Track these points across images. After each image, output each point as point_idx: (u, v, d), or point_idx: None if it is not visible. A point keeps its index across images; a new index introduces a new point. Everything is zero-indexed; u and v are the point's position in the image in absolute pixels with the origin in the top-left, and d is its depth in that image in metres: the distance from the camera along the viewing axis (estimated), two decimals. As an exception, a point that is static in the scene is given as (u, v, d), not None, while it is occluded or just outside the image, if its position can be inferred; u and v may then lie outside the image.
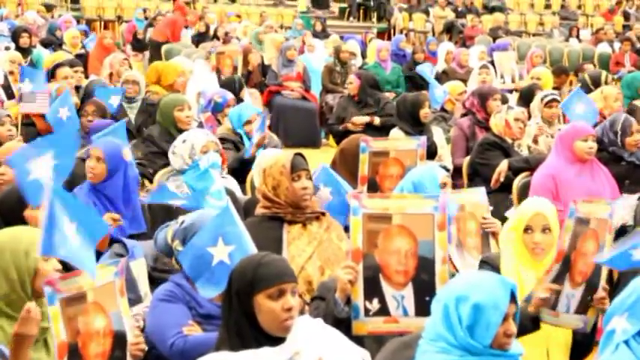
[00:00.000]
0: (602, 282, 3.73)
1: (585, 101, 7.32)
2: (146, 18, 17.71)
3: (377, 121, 9.22)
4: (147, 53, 15.24)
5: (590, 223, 3.64)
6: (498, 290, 2.82)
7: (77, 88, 8.18)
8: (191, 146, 5.51)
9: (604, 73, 11.40)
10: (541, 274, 3.76)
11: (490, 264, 4.00)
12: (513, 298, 2.86)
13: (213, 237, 3.59)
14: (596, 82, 10.82)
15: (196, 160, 5.38)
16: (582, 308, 3.73)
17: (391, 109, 9.30)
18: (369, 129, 8.93)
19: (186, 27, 16.74)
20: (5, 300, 3.23)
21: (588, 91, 10.26)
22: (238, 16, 19.56)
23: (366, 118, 9.26)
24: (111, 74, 9.04)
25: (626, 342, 2.93)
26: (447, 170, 7.00)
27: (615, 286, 4.66)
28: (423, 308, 3.43)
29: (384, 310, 3.48)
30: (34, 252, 3.24)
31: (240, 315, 2.95)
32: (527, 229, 3.94)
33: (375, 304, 3.47)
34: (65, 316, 2.94)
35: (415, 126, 7.34)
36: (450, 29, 21.60)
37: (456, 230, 4.44)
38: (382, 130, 8.63)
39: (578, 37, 21.18)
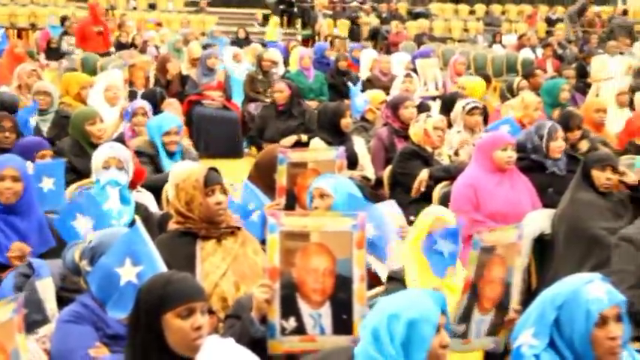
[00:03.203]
0: (514, 304, 3.73)
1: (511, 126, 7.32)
2: (62, 24, 17.38)
3: (304, 138, 9.02)
4: (63, 61, 14.95)
5: (496, 250, 3.64)
6: (427, 303, 2.82)
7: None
8: (96, 161, 5.39)
9: (517, 79, 11.49)
10: (448, 281, 3.77)
11: (397, 278, 4.01)
12: (442, 308, 2.86)
13: (121, 257, 3.50)
14: (510, 89, 10.92)
15: (98, 175, 5.25)
16: (493, 331, 3.74)
17: (315, 121, 9.22)
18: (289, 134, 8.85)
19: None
20: None
21: (505, 98, 10.37)
22: (159, 24, 19.35)
23: (294, 138, 9.06)
24: (20, 85, 8.82)
25: (537, 356, 2.95)
26: (368, 180, 7.00)
27: (533, 294, 4.66)
28: (340, 327, 3.43)
29: (300, 329, 3.44)
30: None
31: (147, 335, 2.87)
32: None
33: (291, 323, 3.44)
34: None
35: (336, 135, 7.26)
36: (374, 35, 21.72)
37: None
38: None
39: (501, 43, 21.46)
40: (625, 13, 25.22)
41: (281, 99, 9.32)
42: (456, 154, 6.94)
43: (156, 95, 8.83)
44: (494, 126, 7.38)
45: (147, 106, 7.60)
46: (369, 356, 2.78)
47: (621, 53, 16.89)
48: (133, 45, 15.47)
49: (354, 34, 21.39)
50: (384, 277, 4.32)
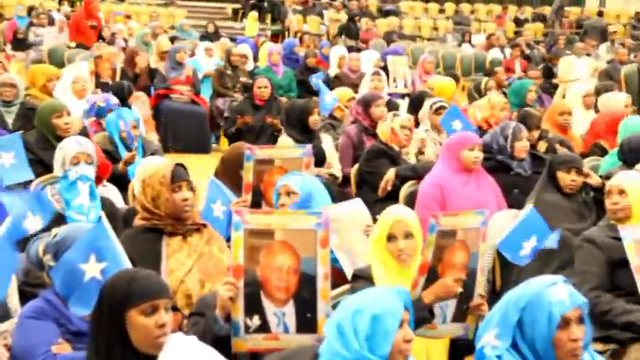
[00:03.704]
0: (479, 289, 3.77)
1: (460, 117, 7.34)
2: (29, 15, 17.23)
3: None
4: (30, 52, 14.83)
5: (457, 235, 3.69)
6: (391, 298, 2.83)
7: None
8: (63, 156, 5.33)
9: (484, 79, 11.57)
10: (409, 280, 3.82)
11: (363, 277, 4.02)
12: (406, 304, 2.87)
13: (85, 253, 3.47)
14: (478, 89, 11.00)
15: (67, 170, 5.20)
16: (460, 316, 3.78)
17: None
18: (262, 135, 8.79)
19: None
20: None
21: (473, 98, 10.43)
22: (128, 16, 19.24)
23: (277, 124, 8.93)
24: (-14, 77, 8.72)
25: (499, 357, 2.98)
26: (335, 178, 7.00)
27: (498, 295, 4.70)
28: (304, 325, 3.45)
29: (264, 327, 3.45)
30: None
31: (110, 331, 2.88)
32: (390, 238, 3.96)
33: (255, 321, 3.44)
34: None
35: (304, 133, 7.27)
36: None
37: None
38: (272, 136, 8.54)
39: (470, 42, 21.56)
40: (600, 14, 25.44)
41: (265, 94, 9.29)
42: (421, 152, 6.96)
43: (124, 89, 8.77)
44: (446, 119, 7.41)
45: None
46: (334, 351, 2.78)
47: (588, 55, 17.04)
48: (101, 37, 15.36)
49: (350, 33, 21.25)
50: (349, 276, 4.33)
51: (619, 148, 6.44)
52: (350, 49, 15.18)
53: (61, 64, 11.58)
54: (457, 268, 3.72)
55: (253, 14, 21.24)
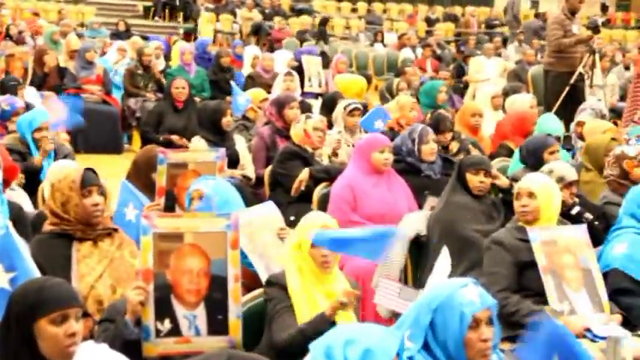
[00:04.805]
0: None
1: (383, 117, 7.44)
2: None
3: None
4: None
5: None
6: (388, 338, 2.84)
7: None
8: None
9: (396, 80, 11.70)
10: (329, 287, 3.91)
11: (279, 283, 4.02)
12: (400, 350, 2.90)
13: (-8, 263, 3.41)
14: (390, 90, 11.12)
15: None
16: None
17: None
18: (187, 132, 8.71)
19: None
20: None
21: (385, 99, 10.55)
22: (36, 14, 18.89)
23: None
24: None
25: (411, 358, 3.01)
26: (249, 179, 7.00)
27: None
28: (215, 327, 3.44)
29: (175, 331, 3.43)
30: None
31: (18, 342, 2.83)
32: (314, 244, 3.97)
33: (166, 325, 3.42)
34: None
35: (217, 134, 7.23)
36: (257, 31, 21.67)
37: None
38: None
39: (382, 41, 21.73)
40: (537, 16, 25.90)
41: (182, 96, 9.19)
42: (335, 154, 6.99)
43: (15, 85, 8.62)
44: (368, 119, 7.46)
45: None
46: None
47: (498, 55, 17.32)
48: (7, 35, 15.04)
49: (322, 36, 21.03)
50: (264, 280, 4.32)
51: (519, 150, 6.55)
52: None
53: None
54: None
55: (207, 15, 20.95)
